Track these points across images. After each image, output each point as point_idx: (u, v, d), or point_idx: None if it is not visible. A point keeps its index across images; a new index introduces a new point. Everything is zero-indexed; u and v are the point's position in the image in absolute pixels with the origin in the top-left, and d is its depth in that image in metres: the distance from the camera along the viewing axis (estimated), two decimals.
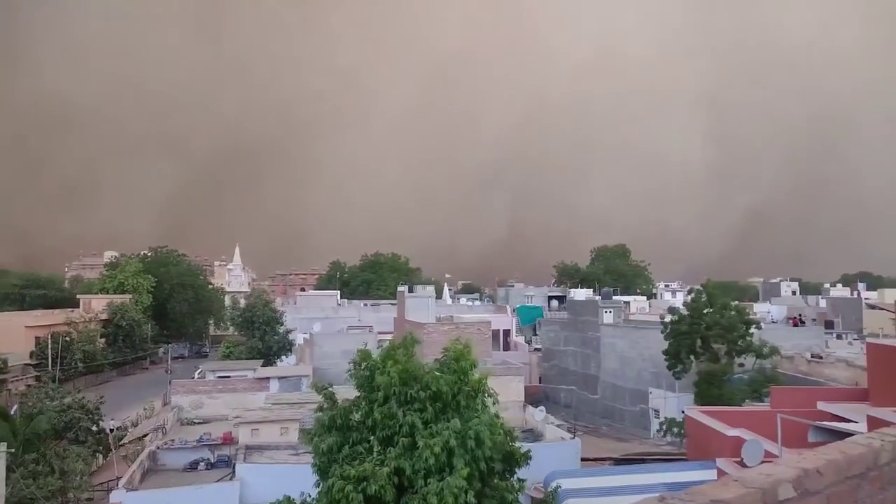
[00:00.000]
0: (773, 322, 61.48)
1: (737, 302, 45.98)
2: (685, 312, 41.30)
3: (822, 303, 76.13)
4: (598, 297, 62.33)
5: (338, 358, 41.52)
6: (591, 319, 52.35)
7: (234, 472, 25.33)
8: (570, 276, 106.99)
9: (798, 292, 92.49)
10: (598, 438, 40.18)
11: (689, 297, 44.29)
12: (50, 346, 64.68)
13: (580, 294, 74.61)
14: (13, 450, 23.25)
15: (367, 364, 14.03)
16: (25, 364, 63.68)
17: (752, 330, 39.95)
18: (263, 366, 43.84)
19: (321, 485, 13.47)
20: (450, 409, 13.65)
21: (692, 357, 40.05)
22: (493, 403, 14.80)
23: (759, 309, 67.47)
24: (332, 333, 47.50)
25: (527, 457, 15.09)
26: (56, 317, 74.60)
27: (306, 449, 27.47)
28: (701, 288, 43.53)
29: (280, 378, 38.27)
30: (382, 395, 13.45)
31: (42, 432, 28.93)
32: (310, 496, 14.23)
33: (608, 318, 52.16)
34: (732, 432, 20.86)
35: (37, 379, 55.84)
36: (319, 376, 39.90)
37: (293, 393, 35.36)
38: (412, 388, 13.44)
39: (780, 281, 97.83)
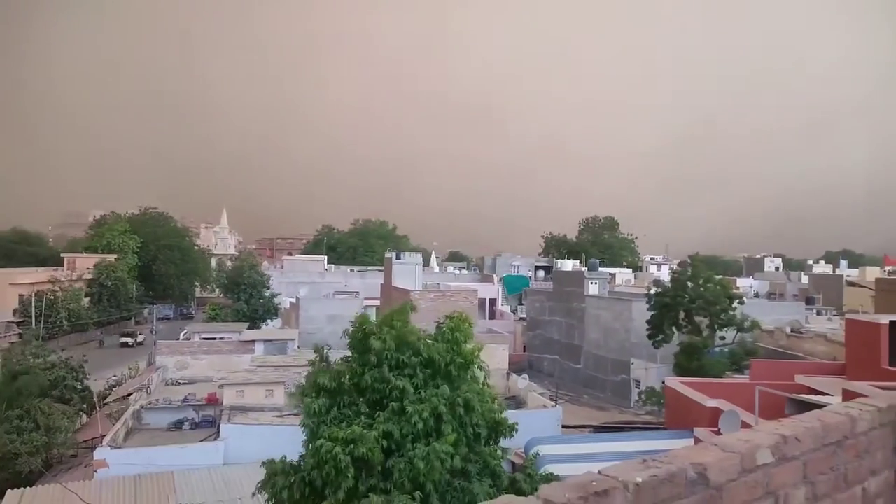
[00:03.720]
0: (756, 297, 62.28)
1: (720, 276, 46.44)
2: (669, 285, 41.68)
3: (805, 279, 77.14)
4: (584, 269, 62.68)
5: (323, 322, 41.72)
6: (577, 290, 52.70)
7: (218, 432, 25.52)
8: (558, 246, 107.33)
9: (781, 268, 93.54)
10: (580, 407, 40.79)
11: (674, 270, 44.65)
12: (34, 305, 64.26)
13: (567, 265, 74.96)
14: None
15: (364, 328, 14.11)
16: (9, 322, 63.32)
17: (735, 304, 40.45)
18: (249, 329, 43.88)
19: (310, 445, 13.60)
20: (440, 376, 13.84)
21: (674, 329, 40.55)
22: (484, 376, 15.00)
23: (742, 284, 68.27)
24: (319, 298, 47.52)
25: (513, 428, 15.32)
26: (40, 275, 73.93)
27: (291, 411, 27.76)
28: (688, 261, 43.89)
29: (265, 341, 38.37)
30: (375, 359, 13.57)
31: (28, 390, 28.90)
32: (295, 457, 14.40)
33: (593, 289, 52.53)
34: (711, 403, 21.26)
35: (20, 337, 55.52)
36: (305, 340, 40.06)
37: (278, 356, 35.50)
38: (404, 353, 13.58)
39: (764, 256, 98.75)
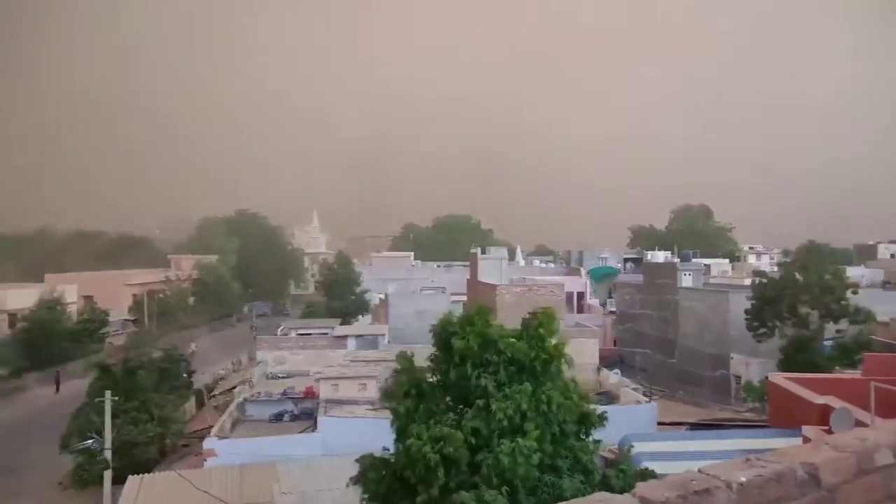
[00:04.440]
0: (868, 287, 57.88)
1: (833, 266, 43.40)
2: (775, 275, 39.51)
3: None
4: (676, 260, 60.45)
5: (411, 318, 42.39)
6: (669, 282, 50.91)
7: (315, 424, 26.56)
8: (647, 238, 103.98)
9: None
10: (675, 403, 39.42)
11: (777, 260, 42.16)
12: (146, 303, 69.09)
13: (658, 256, 72.47)
14: (116, 397, 25.20)
15: (448, 328, 14.35)
16: (125, 319, 68.39)
17: (849, 294, 37.82)
18: (341, 325, 45.31)
19: (399, 442, 13.98)
20: (525, 373, 13.87)
21: (777, 322, 38.39)
22: (569, 368, 14.89)
23: (853, 273, 63.56)
24: (406, 294, 48.34)
25: (602, 419, 15.08)
26: (151, 276, 79.41)
27: (383, 404, 28.49)
28: (792, 250, 41.25)
29: (357, 336, 39.51)
30: (458, 358, 13.77)
31: (143, 384, 31.16)
32: (388, 450, 14.82)
33: (687, 280, 50.57)
34: (820, 400, 19.99)
35: (135, 333, 59.79)
36: (395, 335, 40.93)
37: (370, 351, 36.45)
38: (488, 352, 13.71)
39: (878, 243, 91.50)
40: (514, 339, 14.10)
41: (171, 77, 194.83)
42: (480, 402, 13.31)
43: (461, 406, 14.05)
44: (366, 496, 14.42)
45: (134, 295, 73.93)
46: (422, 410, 13.99)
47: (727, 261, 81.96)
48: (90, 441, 23.90)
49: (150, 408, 29.19)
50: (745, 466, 2.12)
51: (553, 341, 14.31)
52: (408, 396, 14.25)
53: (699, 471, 2.10)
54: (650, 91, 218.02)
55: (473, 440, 13.03)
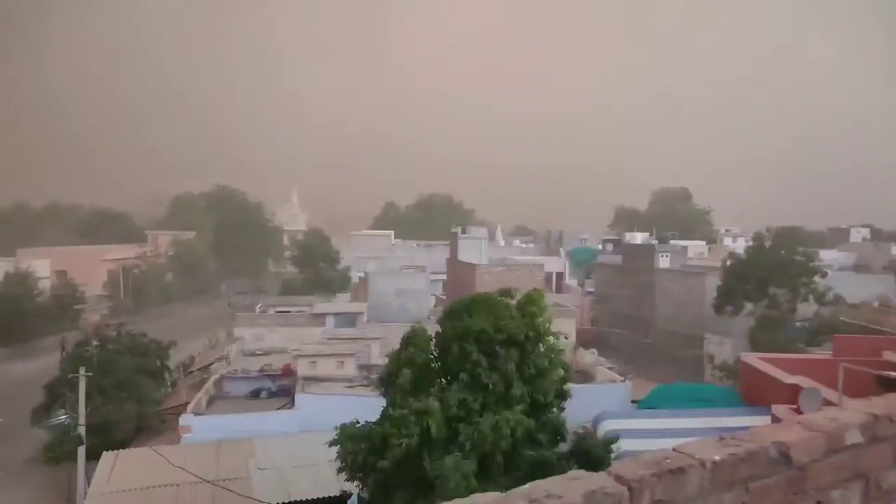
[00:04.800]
0: (840, 269, 59.06)
1: (802, 248, 44.23)
2: (745, 256, 40.12)
3: (895, 250, 72.51)
4: (654, 241, 61.03)
5: (391, 296, 42.39)
6: (647, 263, 51.43)
7: (293, 401, 26.54)
8: (627, 220, 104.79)
9: (869, 239, 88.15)
10: (650, 382, 40.00)
11: (751, 241, 42.85)
12: (122, 279, 68.17)
13: (636, 238, 73.13)
14: (90, 373, 24.92)
15: (457, 309, 14.71)
16: (100, 295, 67.44)
17: (817, 277, 38.53)
18: (320, 301, 45.14)
19: (386, 409, 14.14)
20: (515, 346, 14.19)
21: (746, 301, 39.05)
22: (559, 342, 15.30)
23: (826, 256, 64.77)
24: (386, 272, 48.25)
25: (567, 392, 15.43)
26: (127, 251, 78.21)
27: (360, 382, 28.56)
28: (774, 231, 41.84)
29: (335, 314, 39.42)
30: (464, 336, 14.04)
31: (121, 365, 30.86)
32: (364, 422, 15.05)
33: (664, 262, 51.13)
34: (790, 379, 20.41)
35: (109, 309, 59.12)
36: (373, 314, 40.91)
37: (348, 328, 36.42)
38: (489, 331, 13.99)
39: (850, 227, 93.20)
40: (512, 318, 14.39)
41: (158, 49, 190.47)
42: (465, 376, 13.54)
43: (448, 377, 14.32)
44: (343, 465, 14.61)
45: (109, 270, 72.84)
46: (417, 383, 14.23)
47: (704, 243, 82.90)
48: (63, 416, 23.67)
49: (128, 386, 28.93)
50: (719, 445, 2.13)
51: (541, 319, 14.60)
52: (409, 367, 14.42)
53: (673, 449, 2.10)
54: (638, 74, 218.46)
55: (458, 412, 13.26)
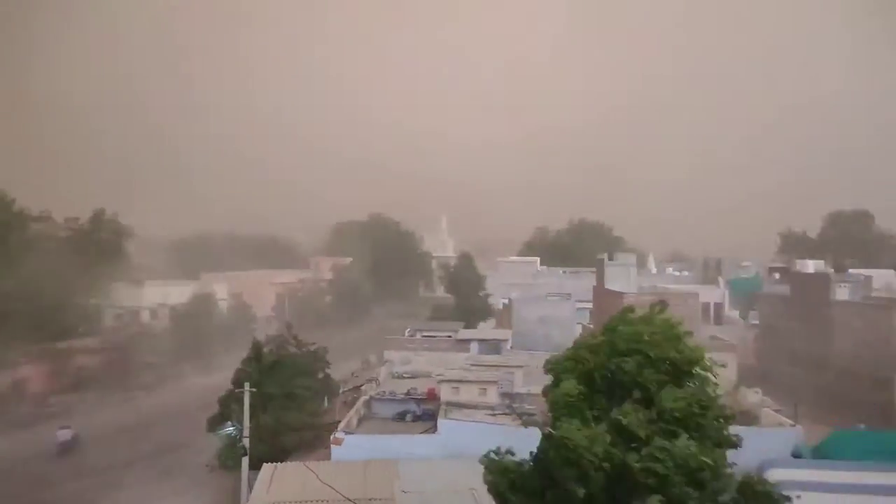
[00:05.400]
0: None
1: None
2: None
3: None
4: (829, 270, 55.04)
5: (535, 324, 41.91)
6: (821, 295, 46.44)
7: (436, 425, 26.92)
8: (796, 246, 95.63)
9: None
10: (825, 427, 35.77)
11: None
12: (287, 301, 73.92)
13: (808, 265, 66.40)
14: (255, 389, 27.06)
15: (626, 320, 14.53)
16: (268, 316, 73.62)
17: None
18: (465, 327, 45.67)
19: (551, 437, 13.85)
20: (671, 373, 13.61)
21: None
22: (714, 376, 14.45)
23: None
24: (530, 300, 47.87)
25: (736, 442, 14.18)
26: (293, 276, 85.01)
27: (502, 410, 28.34)
28: None
29: (480, 340, 39.64)
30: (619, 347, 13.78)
31: (290, 373, 33.45)
32: (511, 454, 14.87)
33: (843, 293, 45.89)
34: None
35: (276, 330, 64.07)
36: (517, 341, 40.66)
37: (492, 355, 36.42)
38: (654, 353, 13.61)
39: None
40: (646, 328, 13.82)
41: (298, 82, 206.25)
42: (637, 393, 13.09)
43: (611, 399, 13.89)
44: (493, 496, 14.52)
45: (277, 294, 79.37)
46: (582, 395, 13.98)
47: (893, 272, 73.36)
48: (231, 428, 25.83)
49: (297, 398, 31.24)
50: None
51: (688, 341, 13.84)
52: (576, 372, 14.26)
53: None
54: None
55: (621, 436, 12.79)
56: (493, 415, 27.66)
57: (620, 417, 12.86)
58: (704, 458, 12.64)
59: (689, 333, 14.20)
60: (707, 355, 14.51)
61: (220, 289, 69.83)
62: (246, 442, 25.48)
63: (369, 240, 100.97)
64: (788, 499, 15.05)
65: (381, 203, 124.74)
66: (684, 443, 12.35)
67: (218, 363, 55.10)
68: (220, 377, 40.91)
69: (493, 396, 29.30)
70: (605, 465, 12.56)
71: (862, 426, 32.23)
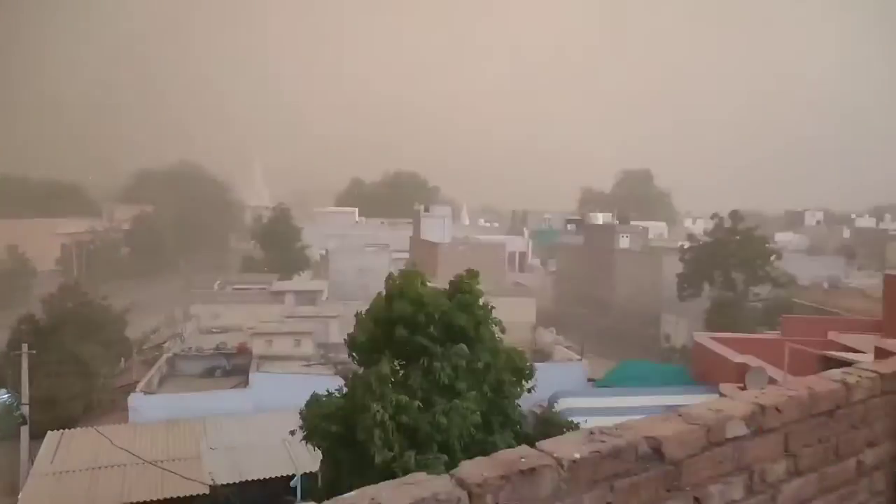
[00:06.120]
0: (794, 252, 60.58)
1: (759, 230, 45.14)
2: (706, 239, 40.77)
3: (847, 234, 74.68)
4: (616, 222, 61.65)
5: (352, 274, 42.03)
6: (607, 244, 51.96)
7: (247, 380, 26.13)
8: (594, 201, 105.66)
9: (822, 222, 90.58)
10: (608, 361, 40.61)
11: (712, 224, 43.51)
12: (75, 254, 66.16)
13: (598, 219, 73.82)
14: (34, 351, 24.09)
15: (391, 292, 14.49)
16: (52, 270, 65.41)
17: (772, 259, 39.41)
18: (280, 280, 44.46)
19: (355, 393, 13.85)
20: (458, 333, 14.07)
21: (707, 284, 39.83)
22: (500, 332, 15.18)
23: (781, 238, 66.44)
24: (348, 250, 47.78)
25: (531, 372, 15.40)
26: (81, 224, 75.84)
27: (318, 361, 28.27)
28: (721, 215, 42.60)
29: (295, 292, 38.89)
30: (396, 318, 13.87)
31: (67, 338, 29.89)
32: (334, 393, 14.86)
33: (625, 242, 51.72)
34: (739, 359, 20.84)
35: (61, 285, 57.36)
36: (334, 292, 40.49)
37: (307, 307, 35.98)
38: (420, 315, 13.82)
39: (805, 210, 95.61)
40: (446, 302, 14.18)
41: (118, 27, 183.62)
42: (424, 360, 13.44)
43: (402, 361, 14.18)
44: (311, 442, 14.43)
45: (63, 245, 70.61)
46: (375, 363, 14.06)
47: (664, 224, 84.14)
48: (5, 395, 22.90)
49: (73, 362, 28.07)
50: (586, 441, 1.97)
51: (481, 303, 14.47)
52: (367, 345, 14.27)
53: (536, 446, 1.94)
54: (606, 56, 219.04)
55: (419, 403, 13.20)
56: (309, 365, 27.49)
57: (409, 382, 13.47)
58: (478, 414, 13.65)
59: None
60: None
61: None
62: (25, 409, 22.76)
63: (175, 187, 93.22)
64: (576, 424, 16.82)
65: (190, 150, 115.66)
66: (466, 404, 13.23)
67: None
68: None
69: (308, 347, 29.07)
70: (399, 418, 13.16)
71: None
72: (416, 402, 13.02)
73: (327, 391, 14.96)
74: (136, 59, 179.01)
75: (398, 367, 14.17)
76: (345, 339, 15.40)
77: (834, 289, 41.49)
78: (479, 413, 13.26)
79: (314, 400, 14.66)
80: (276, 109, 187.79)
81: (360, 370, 14.23)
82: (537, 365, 18.79)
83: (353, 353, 14.98)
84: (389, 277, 15.16)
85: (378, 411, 12.84)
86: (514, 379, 15.23)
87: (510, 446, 13.84)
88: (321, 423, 14.06)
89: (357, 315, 15.06)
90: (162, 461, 19.13)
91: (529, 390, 15.49)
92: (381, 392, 13.31)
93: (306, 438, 14.48)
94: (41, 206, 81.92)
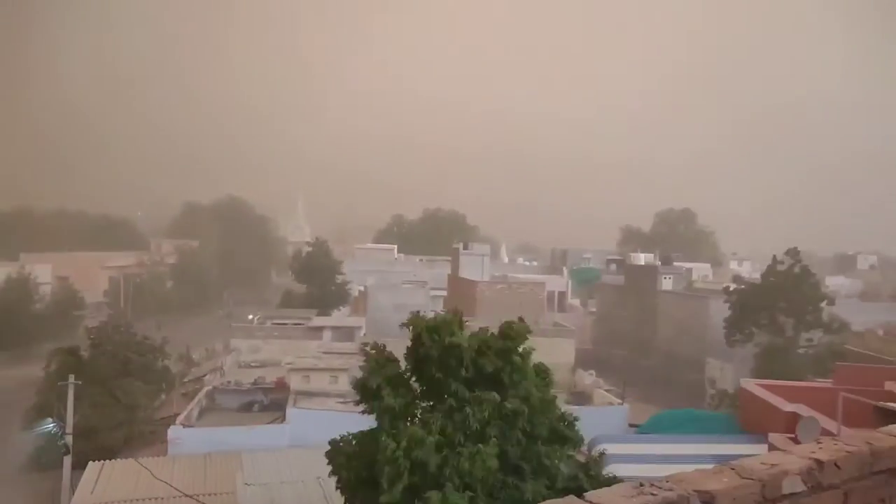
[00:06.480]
0: (846, 297, 58.46)
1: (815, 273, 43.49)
2: (754, 281, 39.68)
3: None
4: (658, 263, 60.66)
5: (390, 311, 42.08)
6: (649, 285, 51.07)
7: (285, 415, 26.20)
8: (634, 240, 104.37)
9: (876, 266, 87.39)
10: (649, 405, 39.49)
11: (765, 265, 42.05)
12: (122, 287, 68.13)
13: (640, 258, 72.77)
14: (80, 382, 24.66)
15: (419, 332, 14.27)
16: (100, 302, 67.42)
17: (824, 304, 38.07)
18: (319, 315, 44.85)
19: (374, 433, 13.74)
20: (491, 381, 13.85)
21: (753, 329, 38.61)
22: (543, 380, 14.79)
23: (832, 282, 64.20)
24: (386, 287, 48.04)
25: (572, 423, 14.97)
26: (129, 258, 78.32)
27: (354, 398, 28.13)
28: (786, 257, 40.49)
29: (333, 328, 39.14)
30: (424, 357, 13.70)
31: (109, 368, 30.56)
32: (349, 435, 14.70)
33: (667, 284, 50.76)
34: (789, 407, 20.01)
35: (108, 317, 58.99)
36: (372, 329, 40.57)
37: (344, 343, 36.11)
38: (452, 361, 13.63)
39: (857, 254, 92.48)
40: (478, 350, 14.01)
41: (165, 64, 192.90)
42: (453, 402, 13.26)
43: (432, 402, 13.98)
44: (338, 484, 14.34)
45: (111, 278, 72.90)
46: (400, 404, 13.88)
47: (708, 265, 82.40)
48: (51, 424, 23.43)
49: (115, 392, 28.64)
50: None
51: (520, 350, 14.21)
52: (385, 388, 14.12)
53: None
54: (646, 94, 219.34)
55: (442, 438, 12.99)
56: (345, 402, 27.41)
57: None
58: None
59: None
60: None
61: (43, 271, 62.79)
62: (69, 440, 23.22)
63: (220, 222, 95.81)
64: (619, 479, 16.24)
65: (234, 185, 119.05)
66: (487, 450, 12.89)
67: (37, 353, 49.78)
68: (37, 369, 37.12)
69: (344, 384, 29.01)
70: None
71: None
72: (432, 438, 12.77)
73: (347, 433, 14.81)
74: (190, 98, 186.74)
75: (417, 402, 13.96)
76: (351, 383, 15.24)
77: (891, 336, 39.72)
78: (504, 458, 12.95)
79: (335, 442, 14.56)
80: (322, 145, 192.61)
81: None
82: (577, 408, 18.40)
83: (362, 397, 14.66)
84: (412, 315, 15.02)
85: (390, 447, 12.65)
86: (557, 447, 14.80)
87: (541, 494, 13.41)
88: (344, 462, 13.95)
89: (364, 350, 14.81)
90: (198, 495, 19.20)
91: (570, 456, 15.08)
92: (393, 425, 13.14)
93: (339, 488, 14.38)
94: (93, 240, 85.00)
